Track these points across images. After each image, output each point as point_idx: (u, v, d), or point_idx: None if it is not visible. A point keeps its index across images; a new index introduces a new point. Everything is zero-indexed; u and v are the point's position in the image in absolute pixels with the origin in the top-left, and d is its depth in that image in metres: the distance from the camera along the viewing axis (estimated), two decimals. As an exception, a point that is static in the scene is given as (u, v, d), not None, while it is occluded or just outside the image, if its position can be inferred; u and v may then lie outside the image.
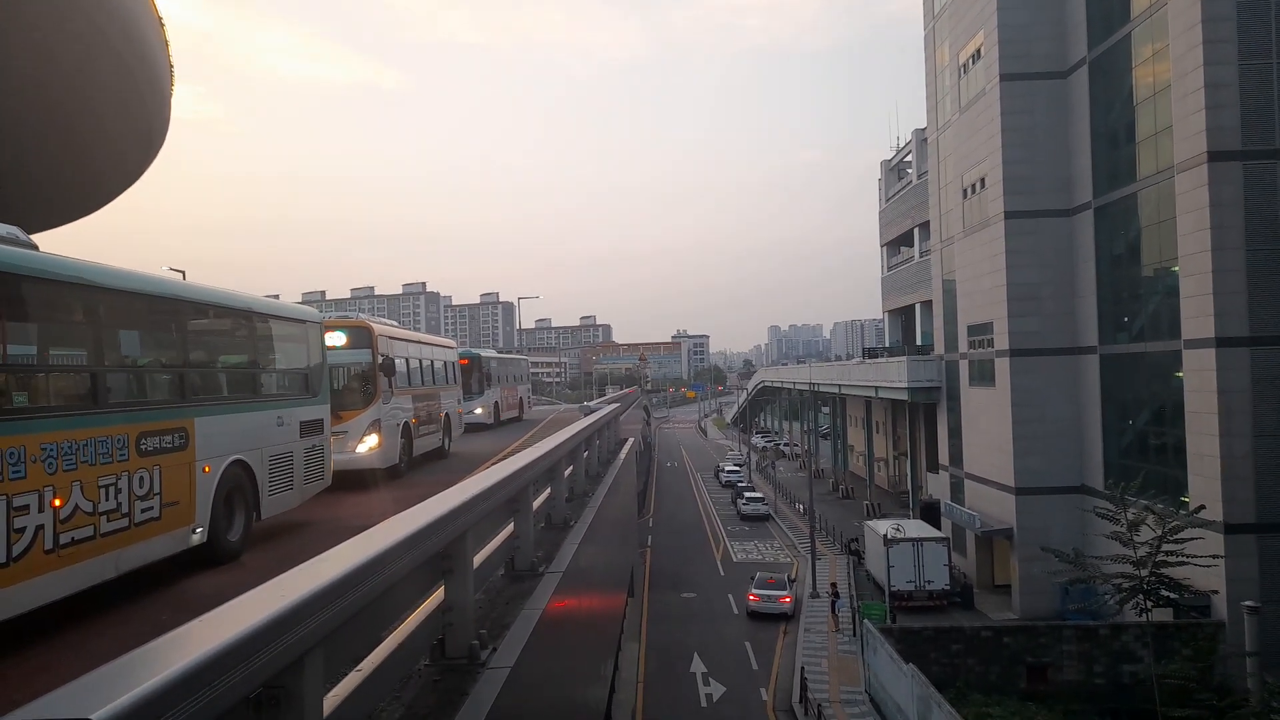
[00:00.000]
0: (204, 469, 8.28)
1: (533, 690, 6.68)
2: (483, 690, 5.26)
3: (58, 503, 6.11)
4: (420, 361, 18.86)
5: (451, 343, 24.81)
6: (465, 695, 5.15)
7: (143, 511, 7.19)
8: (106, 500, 6.69)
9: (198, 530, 8.14)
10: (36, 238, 7.38)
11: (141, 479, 7.19)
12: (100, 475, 6.61)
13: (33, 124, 17.24)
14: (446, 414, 20.42)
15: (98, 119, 18.25)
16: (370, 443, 15.06)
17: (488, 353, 32.01)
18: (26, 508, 5.82)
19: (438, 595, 5.62)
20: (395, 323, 19.41)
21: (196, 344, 9.06)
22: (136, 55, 16.32)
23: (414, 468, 17.16)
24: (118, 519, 6.83)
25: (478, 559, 6.39)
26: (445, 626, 5.64)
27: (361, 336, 15.76)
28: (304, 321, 11.78)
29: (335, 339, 15.48)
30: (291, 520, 10.88)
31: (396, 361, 16.52)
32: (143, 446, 7.25)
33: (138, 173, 22.86)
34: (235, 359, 10.05)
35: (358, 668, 4.36)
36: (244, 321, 10.08)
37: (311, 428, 11.27)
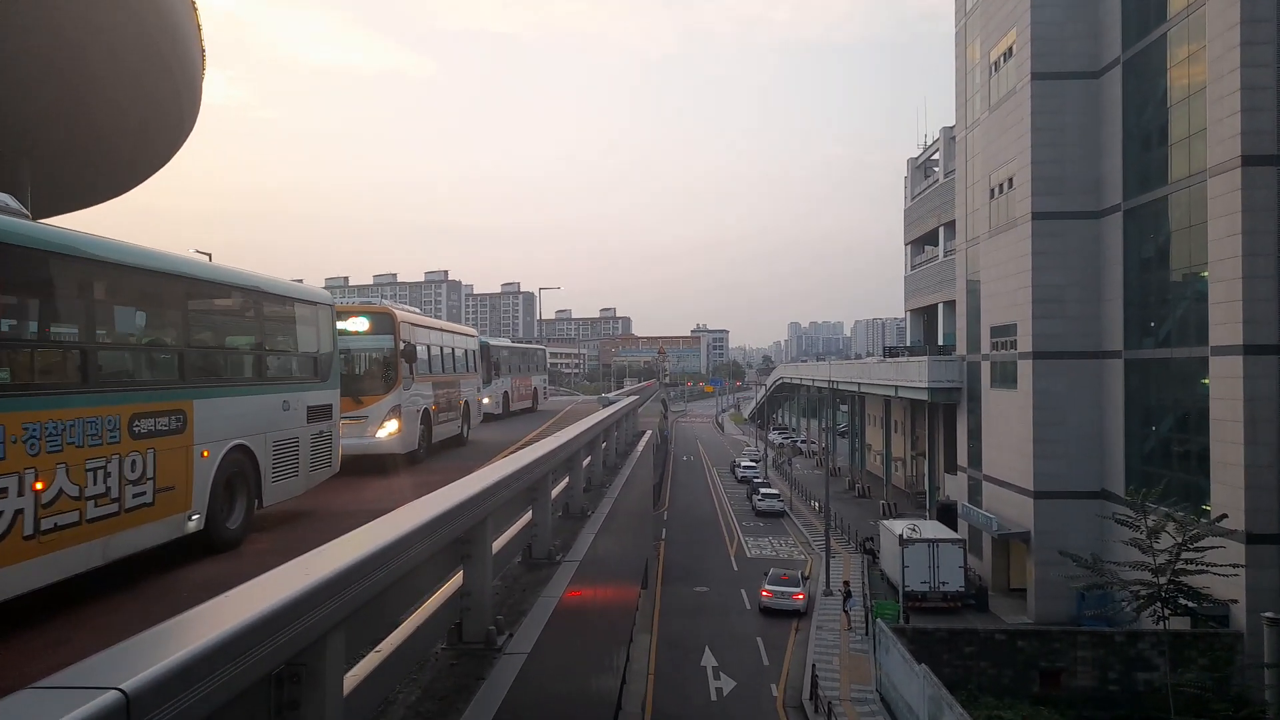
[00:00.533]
0: (202, 453, 7.90)
1: (547, 676, 6.72)
2: (499, 675, 5.30)
3: (40, 486, 5.78)
4: (441, 349, 18.95)
5: (473, 331, 24.93)
6: (482, 679, 5.20)
7: (134, 497, 6.85)
8: (94, 484, 6.34)
9: (194, 517, 7.79)
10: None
11: (134, 462, 6.84)
12: (88, 458, 6.27)
13: (66, 107, 17.46)
14: (466, 402, 20.52)
15: (130, 103, 18.47)
16: (390, 428, 15.16)
17: (498, 341, 32.15)
18: (5, 490, 5.48)
19: (456, 580, 5.63)
20: (417, 309, 19.52)
21: (198, 322, 8.62)
22: (169, 39, 16.48)
23: (433, 454, 17.27)
24: (106, 504, 6.49)
25: (496, 545, 6.41)
26: (463, 611, 5.67)
27: (384, 322, 15.83)
28: (315, 303, 11.29)
29: (358, 324, 15.59)
30: (299, 507, 10.76)
31: (418, 348, 16.62)
32: (136, 428, 6.90)
33: (168, 154, 23.14)
34: (240, 339, 9.62)
35: (376, 649, 4.39)
36: (250, 301, 9.61)
37: (319, 413, 10.80)
